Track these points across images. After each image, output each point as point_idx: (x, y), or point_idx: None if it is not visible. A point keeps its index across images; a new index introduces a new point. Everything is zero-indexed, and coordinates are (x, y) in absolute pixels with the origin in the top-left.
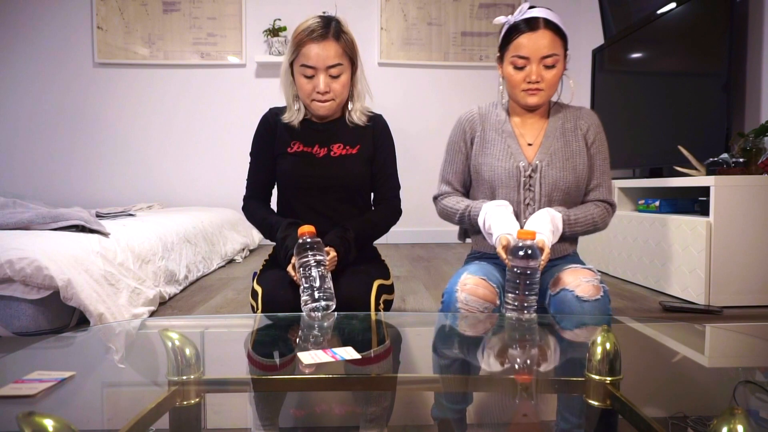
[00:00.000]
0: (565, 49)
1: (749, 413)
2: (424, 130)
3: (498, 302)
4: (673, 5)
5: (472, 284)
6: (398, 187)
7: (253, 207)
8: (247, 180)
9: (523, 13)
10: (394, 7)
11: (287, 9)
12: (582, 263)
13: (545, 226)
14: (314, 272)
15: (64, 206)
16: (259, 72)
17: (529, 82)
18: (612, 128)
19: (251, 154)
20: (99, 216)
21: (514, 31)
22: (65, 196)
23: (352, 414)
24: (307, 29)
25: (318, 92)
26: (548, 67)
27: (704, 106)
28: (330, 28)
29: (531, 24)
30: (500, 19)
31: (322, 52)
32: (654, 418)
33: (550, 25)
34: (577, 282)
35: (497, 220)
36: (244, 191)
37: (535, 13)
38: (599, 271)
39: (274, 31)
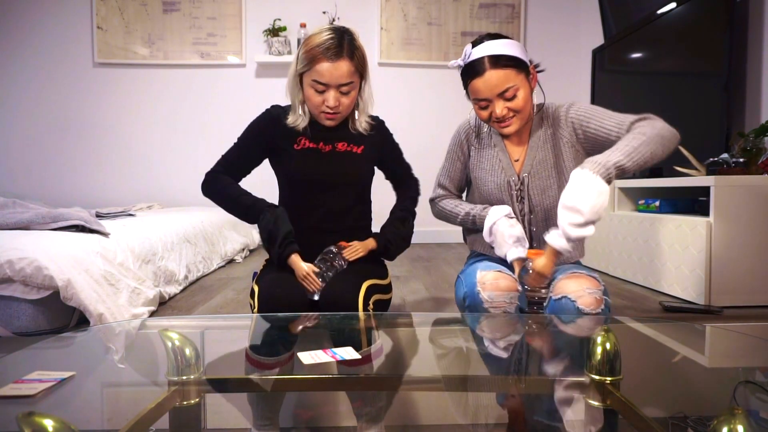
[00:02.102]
0: (525, 70)
1: (749, 413)
2: (423, 130)
3: (519, 288)
4: (673, 5)
5: (491, 279)
6: (409, 166)
7: (227, 180)
8: (223, 157)
9: (468, 55)
10: (394, 7)
11: (287, 9)
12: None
13: (559, 234)
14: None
15: (64, 206)
16: (259, 72)
17: (496, 118)
18: None
19: (240, 138)
20: (99, 216)
21: (466, 75)
22: (65, 196)
23: (351, 414)
24: (322, 45)
25: (327, 106)
26: (509, 99)
27: (704, 106)
28: (344, 46)
29: (476, 68)
30: (452, 64)
31: (335, 72)
32: (654, 418)
33: (497, 61)
34: (581, 292)
35: (506, 239)
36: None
37: (478, 53)
38: (600, 272)
39: (274, 31)
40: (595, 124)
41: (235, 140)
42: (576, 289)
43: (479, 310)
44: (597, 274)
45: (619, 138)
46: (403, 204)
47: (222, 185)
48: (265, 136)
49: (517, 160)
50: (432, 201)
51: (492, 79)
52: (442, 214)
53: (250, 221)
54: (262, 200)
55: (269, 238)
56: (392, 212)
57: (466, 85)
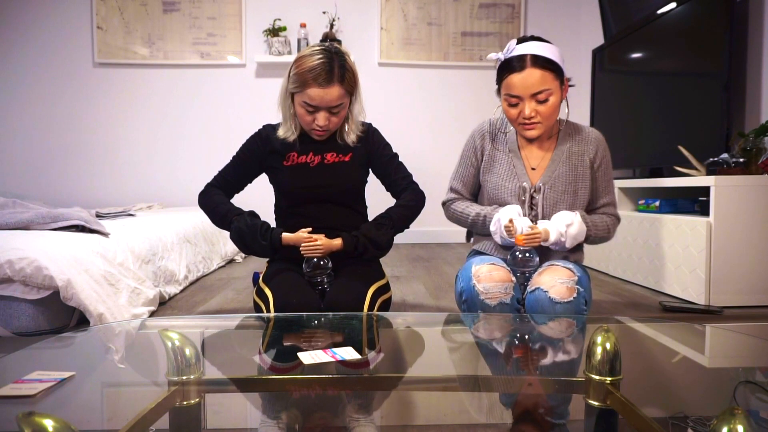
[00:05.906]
0: (561, 78)
1: (749, 413)
2: (423, 130)
3: (513, 279)
4: (673, 5)
5: (485, 272)
6: (410, 174)
7: (217, 193)
8: (219, 173)
9: (511, 50)
10: (394, 7)
11: (287, 9)
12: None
13: (559, 223)
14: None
15: (64, 206)
16: (259, 72)
17: (524, 118)
18: (612, 128)
19: (234, 157)
20: (99, 216)
21: (504, 69)
22: (65, 196)
23: (348, 414)
24: (312, 71)
25: (317, 125)
26: (541, 102)
27: (704, 106)
28: (334, 71)
29: (518, 63)
30: (492, 56)
31: (326, 97)
32: (654, 418)
33: (538, 61)
34: (552, 282)
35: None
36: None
37: (523, 50)
38: (600, 272)
39: (274, 31)
40: (601, 185)
41: (232, 156)
42: (548, 281)
43: (476, 302)
44: (573, 265)
45: (598, 199)
46: (389, 210)
47: (209, 196)
48: (257, 155)
49: (533, 169)
50: (444, 204)
51: (530, 77)
52: (454, 217)
53: (225, 228)
54: (237, 209)
55: (244, 236)
56: (376, 216)
57: (500, 80)
